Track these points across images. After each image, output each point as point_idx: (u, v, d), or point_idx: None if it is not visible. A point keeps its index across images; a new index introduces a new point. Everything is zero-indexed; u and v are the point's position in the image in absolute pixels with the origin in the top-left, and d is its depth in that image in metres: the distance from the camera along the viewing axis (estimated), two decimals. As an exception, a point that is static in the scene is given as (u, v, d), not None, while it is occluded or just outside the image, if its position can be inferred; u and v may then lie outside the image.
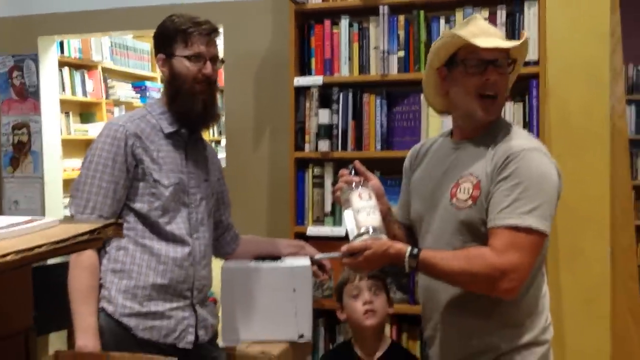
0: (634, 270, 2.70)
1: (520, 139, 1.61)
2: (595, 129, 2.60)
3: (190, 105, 1.89)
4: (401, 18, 2.63)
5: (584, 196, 2.59)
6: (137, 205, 1.86)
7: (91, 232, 1.12)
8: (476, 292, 1.59)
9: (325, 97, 2.71)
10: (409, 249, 1.57)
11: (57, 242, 1.03)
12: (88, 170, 1.84)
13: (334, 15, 2.72)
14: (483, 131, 1.66)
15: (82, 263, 1.79)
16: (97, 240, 1.15)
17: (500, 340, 1.61)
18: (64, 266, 1.83)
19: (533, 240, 1.51)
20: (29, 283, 1.19)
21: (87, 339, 1.75)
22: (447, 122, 1.96)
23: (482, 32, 1.62)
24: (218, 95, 2.05)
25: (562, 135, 2.63)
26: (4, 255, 0.91)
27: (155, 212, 1.86)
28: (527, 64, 2.45)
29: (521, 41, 1.62)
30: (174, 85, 1.90)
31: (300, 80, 2.70)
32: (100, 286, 1.84)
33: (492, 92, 1.62)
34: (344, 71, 2.70)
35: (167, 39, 1.90)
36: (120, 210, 1.86)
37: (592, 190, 2.60)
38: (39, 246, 0.99)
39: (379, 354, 2.02)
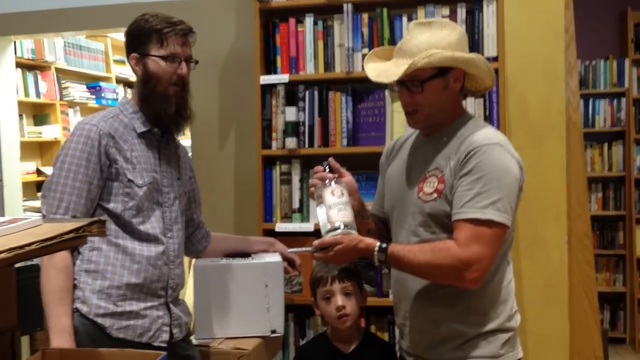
0: (589, 257, 2.81)
1: (482, 133, 1.66)
2: (552, 122, 2.70)
3: (163, 107, 1.89)
4: (365, 16, 2.67)
5: (542, 186, 2.69)
6: (111, 205, 1.85)
7: (76, 230, 1.13)
8: (443, 283, 1.65)
9: (291, 95, 2.74)
10: (378, 243, 1.64)
11: (46, 240, 1.04)
12: (61, 170, 1.82)
13: (299, 13, 2.74)
14: (447, 126, 1.72)
15: (56, 264, 1.77)
16: (82, 238, 1.16)
17: (466, 327, 1.67)
18: (24, 270, 1.80)
19: (494, 233, 1.57)
20: (13, 282, 1.19)
21: (62, 339, 1.73)
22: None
23: (398, 51, 1.71)
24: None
25: (521, 128, 2.71)
26: (-3, 254, 0.92)
27: (129, 212, 1.85)
28: (487, 59, 2.54)
29: (404, 70, 1.63)
30: (148, 85, 1.89)
31: (266, 79, 2.71)
32: (74, 287, 1.82)
33: (408, 110, 1.71)
34: (310, 69, 2.72)
35: (141, 38, 1.89)
36: (93, 210, 1.85)
37: (550, 180, 2.70)
38: (29, 244, 1.00)
39: (354, 344, 2.07)
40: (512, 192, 1.60)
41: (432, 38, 1.65)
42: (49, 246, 1.04)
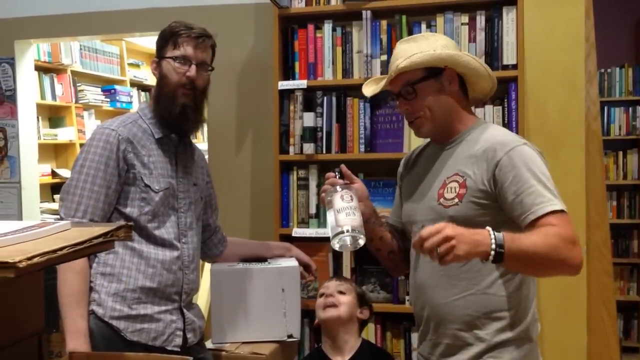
0: (608, 266, 2.79)
1: (506, 135, 1.69)
2: (571, 130, 2.68)
3: (168, 109, 1.89)
4: (383, 23, 2.68)
5: (561, 195, 2.66)
6: (128, 210, 1.86)
7: (105, 234, 1.14)
8: (552, 271, 1.62)
9: (309, 101, 2.74)
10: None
11: (77, 245, 1.04)
12: (80, 174, 1.84)
13: (318, 19, 2.75)
14: (461, 132, 1.72)
15: (73, 267, 1.78)
16: (109, 242, 1.16)
17: (487, 334, 1.65)
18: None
19: (569, 220, 1.57)
20: (41, 286, 1.19)
21: (77, 342, 1.75)
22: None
23: (393, 59, 1.74)
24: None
25: (540, 136, 2.69)
26: (31, 258, 0.92)
27: (144, 217, 1.86)
28: (506, 67, 2.55)
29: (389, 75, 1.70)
30: (159, 86, 1.92)
31: (284, 84, 2.72)
32: (90, 289, 1.84)
33: (410, 119, 1.74)
34: (328, 75, 2.73)
35: (161, 42, 1.92)
36: (110, 214, 1.86)
37: (569, 189, 2.66)
38: (61, 249, 1.00)
39: (348, 355, 2.05)
40: (554, 186, 1.61)
41: (416, 47, 1.70)
42: (79, 250, 1.05)
